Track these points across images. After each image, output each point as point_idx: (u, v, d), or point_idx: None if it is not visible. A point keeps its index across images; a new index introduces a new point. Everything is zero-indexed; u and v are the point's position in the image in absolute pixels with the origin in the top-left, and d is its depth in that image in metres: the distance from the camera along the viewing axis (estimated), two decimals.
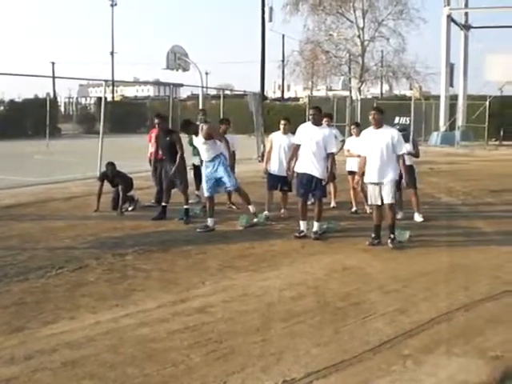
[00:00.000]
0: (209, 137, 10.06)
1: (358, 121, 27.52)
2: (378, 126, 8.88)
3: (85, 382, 4.51)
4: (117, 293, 6.60)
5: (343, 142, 12.57)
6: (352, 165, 11.53)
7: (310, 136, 9.33)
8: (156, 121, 11.50)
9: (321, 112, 9.82)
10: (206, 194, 10.24)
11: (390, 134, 8.80)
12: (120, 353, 4.99)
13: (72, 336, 5.32)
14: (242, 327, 5.57)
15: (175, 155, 10.68)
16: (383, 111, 9.16)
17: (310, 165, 9.29)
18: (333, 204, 11.86)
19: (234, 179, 10.32)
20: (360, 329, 5.55)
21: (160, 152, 11.29)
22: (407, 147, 9.22)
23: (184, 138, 11.14)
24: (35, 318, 5.77)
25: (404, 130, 10.45)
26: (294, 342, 5.22)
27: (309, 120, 9.63)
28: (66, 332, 5.42)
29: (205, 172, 10.21)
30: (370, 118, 8.91)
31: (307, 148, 9.33)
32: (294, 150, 9.65)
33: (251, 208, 10.34)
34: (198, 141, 10.19)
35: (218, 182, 10.21)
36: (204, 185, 10.29)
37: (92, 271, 7.43)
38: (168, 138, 10.80)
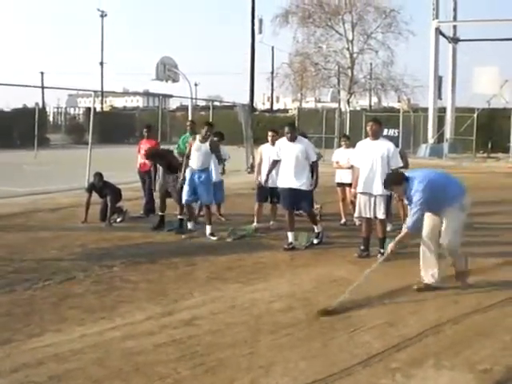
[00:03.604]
0: (212, 150, 10.31)
1: (347, 132, 27.70)
2: (375, 137, 8.88)
3: None
4: (104, 305, 6.55)
5: (319, 155, 12.52)
6: (341, 176, 11.54)
7: (288, 151, 9.43)
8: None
9: (294, 128, 9.93)
10: (184, 201, 10.35)
11: (386, 146, 8.79)
12: (106, 366, 4.94)
13: (58, 349, 5.27)
14: (230, 339, 5.53)
15: (174, 166, 10.83)
16: (381, 123, 9.21)
17: (291, 179, 9.36)
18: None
19: (211, 196, 10.41)
20: (348, 342, 5.53)
21: (142, 161, 11.85)
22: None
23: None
24: (21, 331, 5.71)
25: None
26: (282, 355, 5.19)
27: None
28: (53, 345, 5.37)
29: (189, 179, 10.25)
30: (368, 128, 8.95)
31: (287, 163, 9.43)
32: (272, 165, 9.89)
33: (208, 229, 10.23)
34: (201, 148, 10.23)
35: (195, 193, 10.26)
36: (184, 191, 10.31)
37: (79, 283, 7.38)
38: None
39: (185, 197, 10.32)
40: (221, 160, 10.93)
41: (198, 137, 10.35)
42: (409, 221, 7.05)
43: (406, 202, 7.68)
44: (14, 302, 6.58)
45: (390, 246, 7.16)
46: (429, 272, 7.21)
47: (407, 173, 7.47)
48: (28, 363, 4.97)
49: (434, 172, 7.71)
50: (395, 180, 7.30)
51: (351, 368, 4.94)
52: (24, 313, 6.25)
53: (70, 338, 5.53)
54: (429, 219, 7.22)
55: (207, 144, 10.27)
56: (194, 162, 10.26)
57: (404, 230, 7.16)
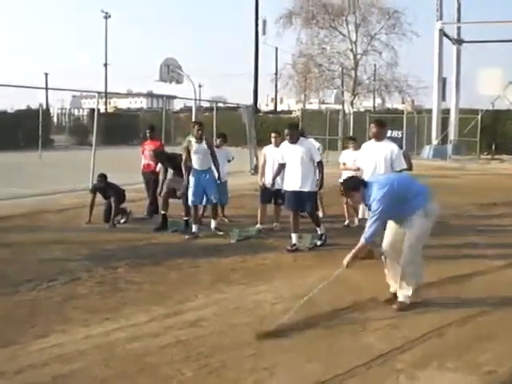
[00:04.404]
0: (211, 148, 10.53)
1: (351, 134, 27.69)
2: (378, 138, 8.82)
3: None
4: (108, 306, 6.56)
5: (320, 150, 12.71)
6: None
7: (292, 153, 9.44)
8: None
9: (297, 129, 9.97)
10: (193, 203, 10.46)
11: (389, 148, 8.71)
12: (111, 367, 4.95)
13: (63, 350, 5.29)
14: (234, 341, 5.54)
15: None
16: (383, 124, 9.02)
17: (297, 181, 9.36)
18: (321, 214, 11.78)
19: (217, 194, 10.58)
20: (352, 344, 5.54)
21: (146, 162, 12.20)
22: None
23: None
24: (26, 332, 5.73)
25: None
26: (286, 357, 5.20)
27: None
28: (57, 346, 5.38)
29: (195, 181, 10.33)
30: (370, 130, 8.94)
31: (292, 165, 9.43)
32: (279, 169, 9.87)
33: (214, 223, 10.62)
34: (199, 149, 10.34)
35: (204, 193, 10.43)
36: (191, 193, 10.40)
37: (83, 284, 7.40)
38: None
39: (191, 198, 10.39)
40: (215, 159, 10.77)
41: (192, 139, 10.38)
42: (366, 231, 6.37)
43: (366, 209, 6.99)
44: (19, 303, 6.60)
45: (345, 260, 6.44)
46: (406, 287, 6.58)
47: (368, 178, 6.95)
48: (33, 364, 4.98)
49: (396, 177, 7.08)
50: (352, 185, 6.61)
51: (355, 369, 4.94)
52: (28, 314, 6.27)
53: (75, 339, 5.55)
54: (391, 227, 6.71)
55: (204, 143, 10.36)
56: (196, 163, 10.36)
57: (361, 241, 6.42)
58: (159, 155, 11.25)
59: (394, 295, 6.73)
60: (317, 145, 12.35)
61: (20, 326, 5.88)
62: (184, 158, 10.47)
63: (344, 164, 11.70)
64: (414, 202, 6.45)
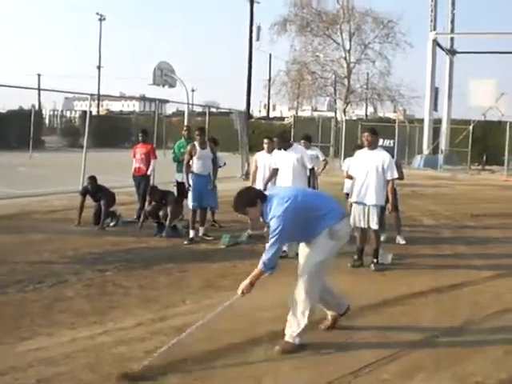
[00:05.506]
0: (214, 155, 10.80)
1: (343, 142, 27.75)
2: (371, 147, 8.85)
3: None
4: (95, 309, 6.52)
5: (325, 161, 12.74)
6: (349, 187, 11.41)
7: (284, 160, 9.45)
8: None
9: (284, 138, 9.89)
10: (193, 207, 10.55)
11: (381, 157, 8.74)
12: (96, 371, 4.90)
13: (48, 352, 5.24)
14: (221, 348, 5.50)
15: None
16: (376, 133, 9.11)
17: None
18: None
19: (217, 200, 10.83)
20: (340, 352, 5.50)
21: (137, 166, 12.23)
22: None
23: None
24: (11, 333, 5.68)
25: None
26: (273, 365, 5.17)
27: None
28: (43, 348, 5.33)
29: (193, 185, 10.47)
30: (364, 139, 8.95)
31: (284, 171, 9.44)
32: (272, 174, 9.86)
33: (202, 230, 10.68)
34: (203, 154, 10.55)
35: (202, 197, 10.53)
36: (191, 197, 10.48)
37: (71, 287, 7.35)
38: None
39: (192, 203, 10.48)
40: (216, 165, 10.96)
41: (197, 144, 10.48)
42: (264, 256, 5.40)
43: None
44: (5, 304, 6.56)
45: (241, 287, 5.39)
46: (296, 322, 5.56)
47: (268, 191, 6.10)
48: (17, 366, 4.93)
49: (301, 191, 6.01)
50: (247, 200, 5.49)
51: (342, 378, 4.91)
52: (15, 315, 6.22)
53: (61, 342, 5.50)
54: (302, 251, 5.79)
55: (208, 149, 10.61)
56: (196, 168, 10.51)
57: (259, 266, 5.42)
58: (153, 193, 11.10)
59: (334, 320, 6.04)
60: (321, 157, 12.49)
61: (5, 328, 5.83)
62: (186, 160, 10.58)
63: (347, 172, 11.60)
64: (321, 220, 5.52)
